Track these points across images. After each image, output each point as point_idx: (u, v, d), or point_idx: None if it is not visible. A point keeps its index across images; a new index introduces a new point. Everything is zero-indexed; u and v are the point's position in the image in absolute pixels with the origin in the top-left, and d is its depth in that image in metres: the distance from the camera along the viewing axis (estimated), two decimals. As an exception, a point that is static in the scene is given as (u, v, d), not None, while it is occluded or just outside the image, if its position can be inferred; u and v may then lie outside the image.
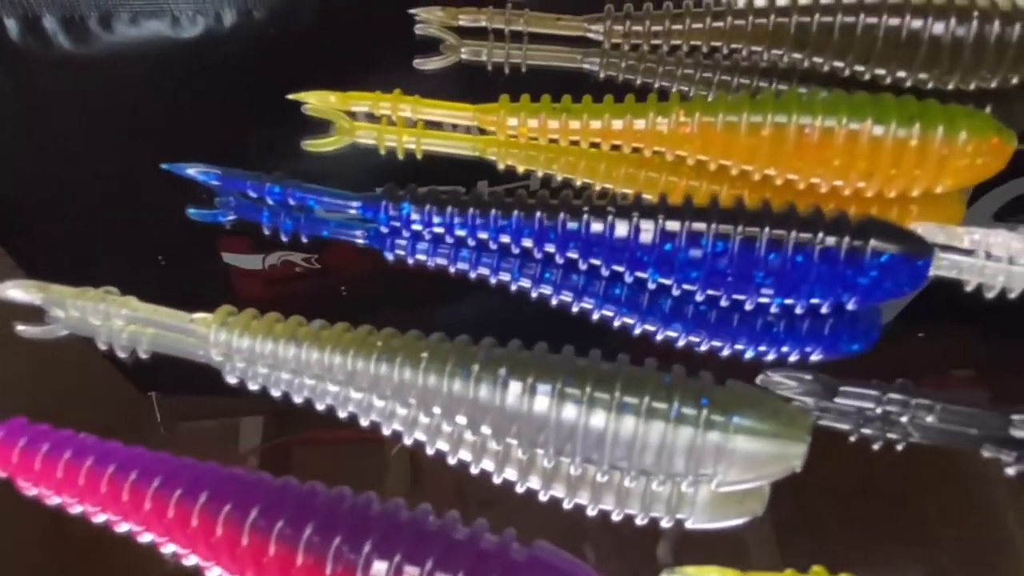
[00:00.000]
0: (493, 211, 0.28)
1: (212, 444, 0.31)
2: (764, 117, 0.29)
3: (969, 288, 0.29)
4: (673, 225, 0.26)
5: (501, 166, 0.33)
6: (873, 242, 0.26)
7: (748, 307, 0.27)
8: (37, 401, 0.32)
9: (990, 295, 0.29)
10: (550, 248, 0.28)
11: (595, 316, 0.30)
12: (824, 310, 0.27)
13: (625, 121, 0.30)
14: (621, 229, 0.27)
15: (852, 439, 0.27)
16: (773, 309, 0.28)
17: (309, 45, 0.37)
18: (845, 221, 0.26)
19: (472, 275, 0.30)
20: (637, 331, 0.30)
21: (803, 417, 0.24)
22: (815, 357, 0.29)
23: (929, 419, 0.25)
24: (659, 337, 0.29)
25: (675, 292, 0.28)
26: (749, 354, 0.29)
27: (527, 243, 0.28)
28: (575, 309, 0.30)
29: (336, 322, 0.27)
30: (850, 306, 0.27)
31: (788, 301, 0.27)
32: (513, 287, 0.30)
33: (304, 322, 0.26)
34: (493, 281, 0.30)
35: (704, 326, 0.29)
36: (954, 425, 0.25)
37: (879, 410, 0.25)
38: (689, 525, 0.25)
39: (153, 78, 0.37)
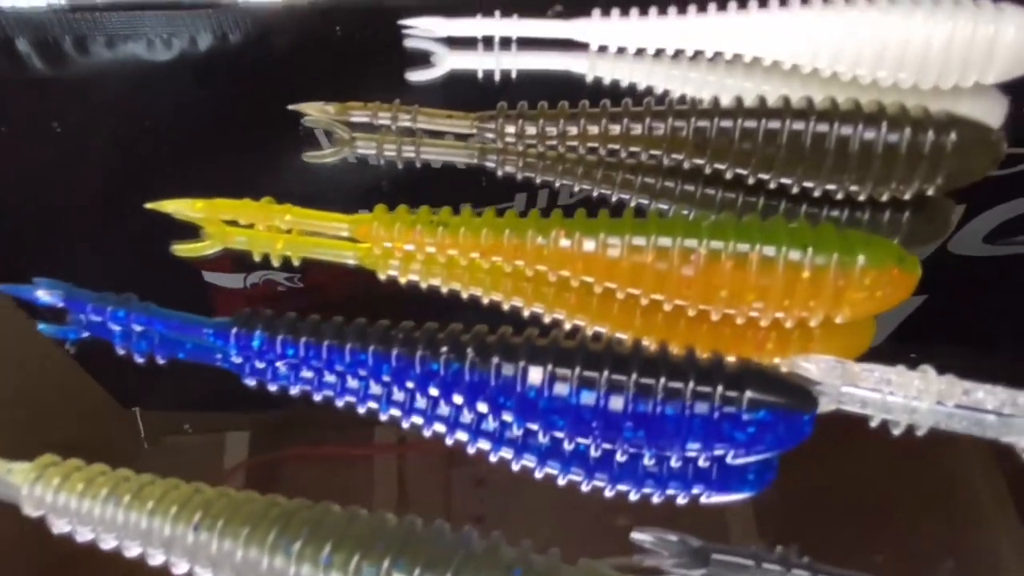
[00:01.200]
0: (349, 344, 0.26)
1: (197, 459, 0.30)
2: (647, 239, 0.27)
3: (874, 424, 0.27)
4: (535, 372, 0.24)
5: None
6: (749, 394, 0.23)
7: (620, 457, 0.25)
8: (19, 416, 0.32)
9: (896, 431, 0.27)
10: (410, 385, 0.26)
11: (471, 450, 0.28)
12: (703, 463, 0.25)
13: (505, 238, 0.28)
14: (481, 371, 0.25)
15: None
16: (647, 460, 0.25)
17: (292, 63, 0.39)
18: (719, 368, 0.24)
19: (339, 403, 0.28)
20: (516, 467, 0.27)
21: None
22: (707, 500, 0.27)
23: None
24: (538, 475, 0.27)
25: (543, 439, 0.26)
26: (633, 496, 0.27)
27: (386, 379, 0.26)
28: (449, 442, 0.28)
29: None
30: (731, 460, 0.25)
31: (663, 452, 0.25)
32: (383, 416, 0.28)
33: (129, 476, 0.24)
34: (361, 410, 0.28)
35: (584, 465, 0.27)
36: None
37: (756, 578, 0.23)
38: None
39: (132, 99, 0.38)
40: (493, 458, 0.27)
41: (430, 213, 0.29)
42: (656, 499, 0.27)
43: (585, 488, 0.27)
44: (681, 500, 0.27)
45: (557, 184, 0.34)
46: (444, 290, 0.31)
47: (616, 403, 0.24)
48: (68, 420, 0.30)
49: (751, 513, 0.28)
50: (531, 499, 0.28)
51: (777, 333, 0.29)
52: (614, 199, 0.33)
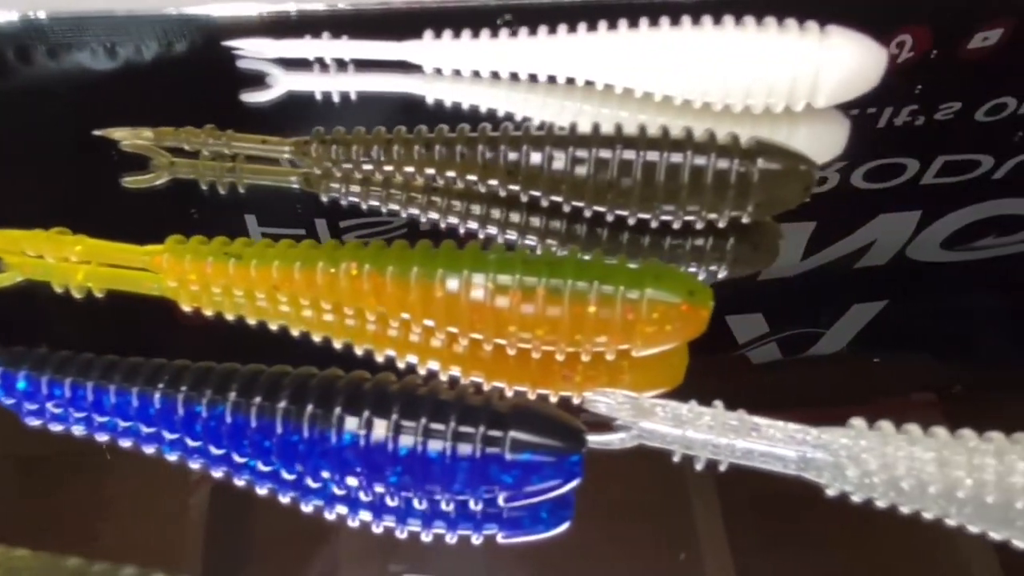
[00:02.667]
0: (114, 385, 0.25)
1: (162, 471, 0.29)
2: (435, 273, 0.26)
3: (676, 459, 0.26)
4: (296, 413, 0.23)
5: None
6: (513, 434, 0.23)
7: (392, 502, 0.24)
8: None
9: (699, 466, 0.26)
10: (167, 433, 0.25)
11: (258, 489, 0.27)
12: (474, 505, 0.24)
13: (296, 270, 0.27)
14: (243, 414, 0.24)
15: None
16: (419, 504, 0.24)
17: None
18: (485, 409, 0.23)
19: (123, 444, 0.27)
20: (285, 500, 0.26)
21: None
22: (504, 540, 0.26)
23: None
24: (328, 516, 0.26)
25: (311, 484, 0.25)
26: (426, 537, 0.26)
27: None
28: (238, 481, 0.27)
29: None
30: (501, 502, 0.24)
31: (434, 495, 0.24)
32: (148, 449, 0.27)
33: None
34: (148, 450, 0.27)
35: (372, 508, 0.26)
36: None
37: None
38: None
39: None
40: (284, 499, 0.27)
41: (223, 244, 0.28)
42: (450, 539, 0.26)
43: (378, 530, 0.26)
44: (476, 541, 0.26)
45: (384, 210, 0.33)
46: (252, 322, 0.30)
47: (377, 444, 0.23)
48: (29, 434, 0.28)
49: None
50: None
51: (585, 366, 0.28)
52: (443, 226, 0.33)
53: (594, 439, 0.25)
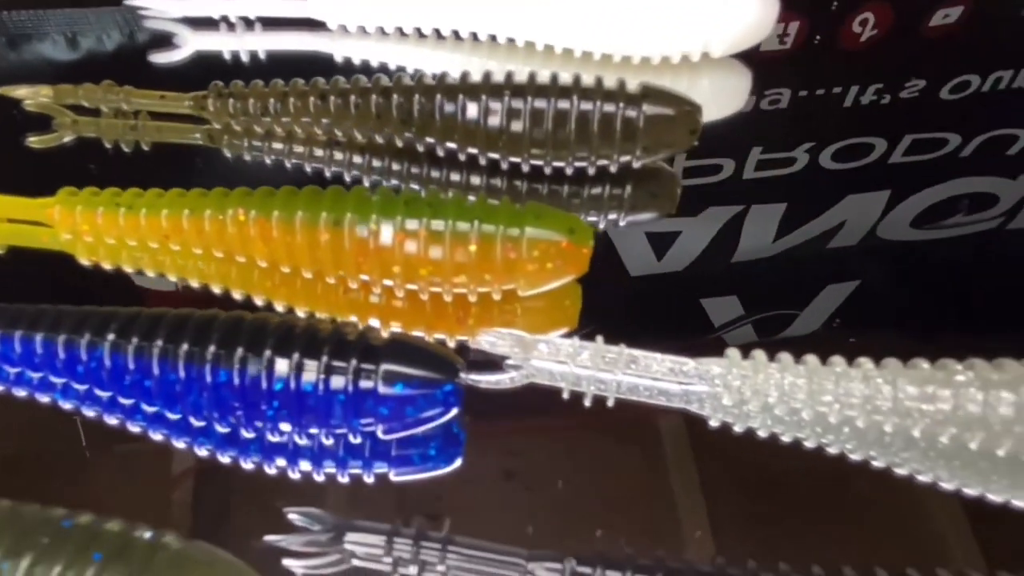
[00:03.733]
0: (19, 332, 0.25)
1: (143, 466, 0.29)
2: (319, 217, 0.26)
3: (565, 395, 0.27)
4: (172, 352, 0.24)
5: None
6: (385, 366, 0.23)
7: (274, 437, 0.25)
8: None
9: (587, 402, 0.27)
10: (53, 378, 0.25)
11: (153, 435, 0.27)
12: (355, 439, 0.24)
13: (184, 218, 0.28)
14: (121, 354, 0.24)
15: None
16: (300, 439, 0.25)
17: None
18: (359, 343, 0.23)
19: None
20: (180, 445, 0.27)
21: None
22: (396, 477, 0.27)
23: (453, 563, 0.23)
24: (222, 458, 0.27)
25: (197, 423, 0.25)
26: (318, 476, 0.27)
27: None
28: (133, 427, 0.27)
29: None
30: (382, 434, 0.24)
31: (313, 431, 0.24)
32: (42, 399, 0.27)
33: None
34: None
35: (261, 450, 0.26)
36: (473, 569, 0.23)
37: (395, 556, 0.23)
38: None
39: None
40: (179, 443, 0.27)
41: (115, 195, 0.29)
42: (342, 478, 0.27)
43: (273, 471, 0.27)
44: (368, 479, 0.27)
45: (288, 165, 0.33)
46: (151, 275, 0.30)
47: (252, 379, 0.23)
48: (7, 434, 0.29)
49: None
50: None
51: (479, 310, 0.29)
52: (348, 179, 0.33)
53: (485, 378, 0.26)
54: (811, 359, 0.26)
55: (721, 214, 0.35)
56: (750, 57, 0.35)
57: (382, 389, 0.23)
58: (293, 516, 0.24)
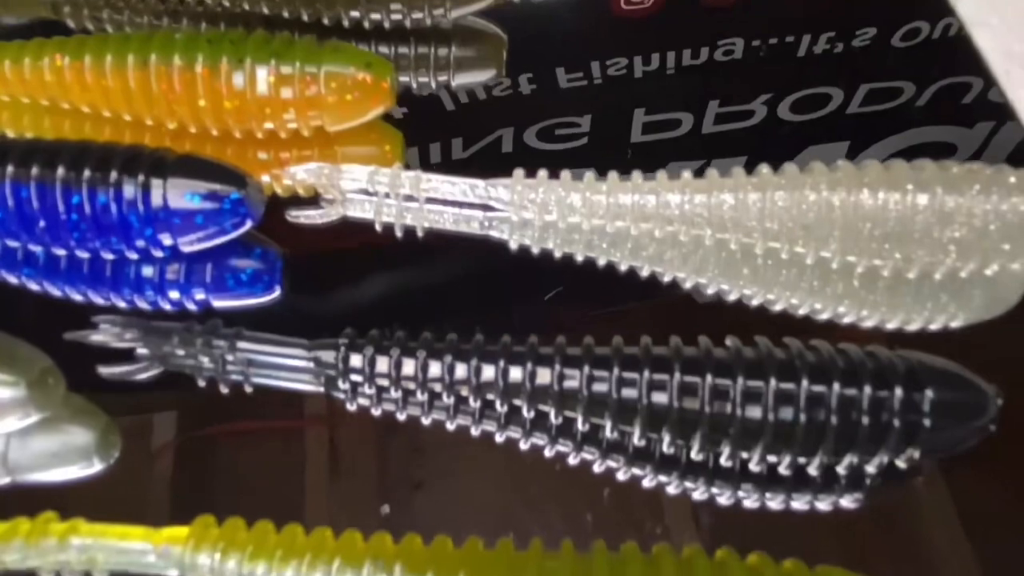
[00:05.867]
0: None
1: (124, 440, 0.30)
2: (126, 59, 0.28)
3: (378, 228, 0.28)
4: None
5: None
6: (172, 180, 0.25)
7: (83, 253, 0.26)
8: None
9: (399, 234, 0.28)
10: None
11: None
12: (158, 253, 0.26)
13: (7, 68, 0.29)
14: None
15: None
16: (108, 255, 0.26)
17: None
18: (147, 158, 0.25)
19: None
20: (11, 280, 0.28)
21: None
22: (222, 303, 0.28)
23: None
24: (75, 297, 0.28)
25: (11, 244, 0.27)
26: (143, 304, 0.28)
27: None
28: None
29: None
30: (184, 247, 0.26)
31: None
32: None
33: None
34: None
35: (83, 279, 0.28)
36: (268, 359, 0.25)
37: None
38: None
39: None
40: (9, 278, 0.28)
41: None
42: (167, 307, 0.28)
43: (74, 298, 0.28)
44: (191, 307, 0.28)
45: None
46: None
47: (51, 198, 0.25)
48: None
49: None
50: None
51: (298, 152, 0.30)
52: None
53: (302, 213, 0.28)
54: (588, 175, 0.27)
55: (681, 169, 0.36)
56: (699, 7, 0.35)
57: (170, 197, 0.25)
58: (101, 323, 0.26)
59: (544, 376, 0.24)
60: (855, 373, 0.22)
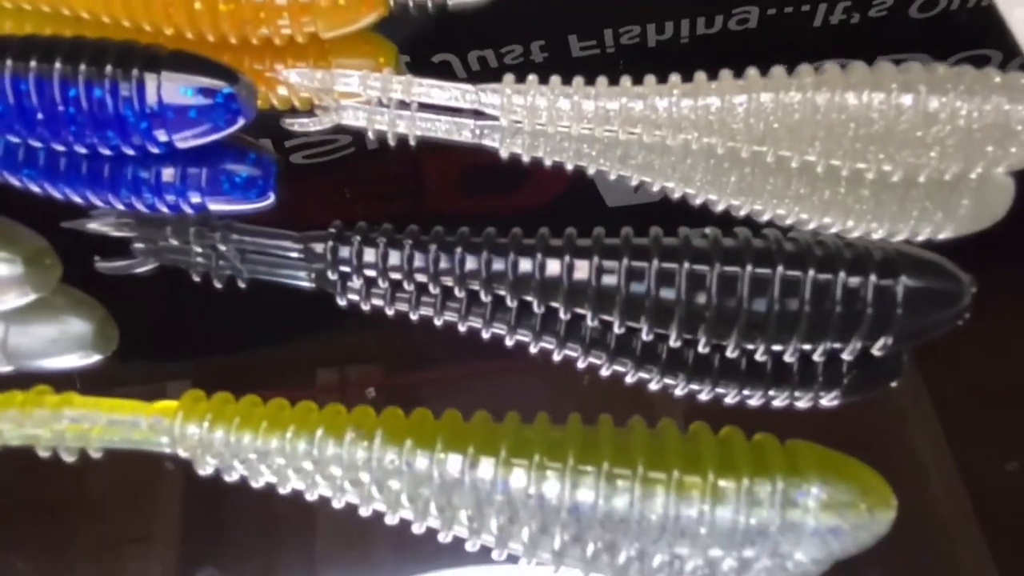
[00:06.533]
0: None
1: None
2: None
3: (372, 137, 0.29)
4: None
5: None
6: (165, 73, 0.25)
7: (81, 149, 0.27)
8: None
9: (392, 143, 0.29)
10: None
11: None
12: (155, 149, 0.27)
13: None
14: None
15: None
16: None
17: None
18: (139, 53, 0.25)
19: None
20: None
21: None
22: (217, 207, 0.29)
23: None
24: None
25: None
26: (140, 207, 0.29)
27: None
28: None
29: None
30: (180, 143, 0.26)
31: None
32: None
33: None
34: None
35: (83, 180, 0.29)
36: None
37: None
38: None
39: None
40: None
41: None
42: (164, 209, 0.29)
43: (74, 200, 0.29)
44: (188, 210, 0.29)
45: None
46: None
47: (49, 91, 0.26)
48: None
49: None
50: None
51: (293, 55, 0.31)
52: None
53: (297, 121, 0.29)
54: (555, 80, 0.27)
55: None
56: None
57: (164, 91, 0.25)
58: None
59: (526, 265, 0.24)
60: (831, 260, 0.23)
